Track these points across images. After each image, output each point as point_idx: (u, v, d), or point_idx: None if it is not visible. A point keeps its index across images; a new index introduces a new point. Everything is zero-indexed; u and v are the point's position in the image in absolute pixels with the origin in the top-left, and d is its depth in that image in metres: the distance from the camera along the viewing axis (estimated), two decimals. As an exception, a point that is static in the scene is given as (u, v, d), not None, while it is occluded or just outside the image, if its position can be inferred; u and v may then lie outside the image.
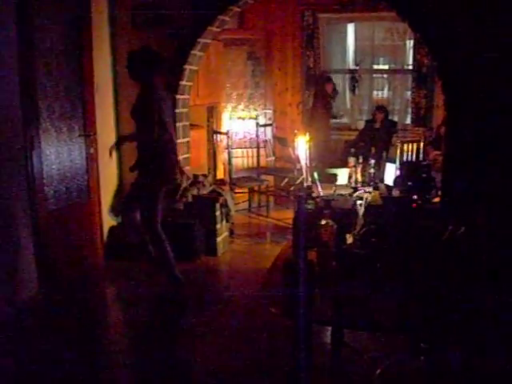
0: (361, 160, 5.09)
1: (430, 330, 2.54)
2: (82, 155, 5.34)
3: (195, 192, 6.05)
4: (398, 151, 4.76)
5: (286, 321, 2.68)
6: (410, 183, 4.14)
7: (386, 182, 4.71)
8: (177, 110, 5.75)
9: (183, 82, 5.75)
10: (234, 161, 7.59)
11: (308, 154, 4.81)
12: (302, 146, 4.85)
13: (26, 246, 4.63)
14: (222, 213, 6.04)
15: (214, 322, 4.57)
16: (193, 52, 5.70)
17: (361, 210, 3.91)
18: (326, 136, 8.15)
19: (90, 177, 5.46)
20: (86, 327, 4.43)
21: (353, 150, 6.17)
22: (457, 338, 2.50)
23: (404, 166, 4.46)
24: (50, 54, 4.89)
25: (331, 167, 5.61)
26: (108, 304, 5.17)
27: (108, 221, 5.88)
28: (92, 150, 5.45)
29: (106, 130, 5.79)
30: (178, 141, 5.80)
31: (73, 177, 5.22)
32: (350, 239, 3.28)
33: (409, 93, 8.69)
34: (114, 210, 5.97)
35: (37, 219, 4.73)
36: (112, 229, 5.92)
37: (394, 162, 4.73)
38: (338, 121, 8.91)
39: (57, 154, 4.99)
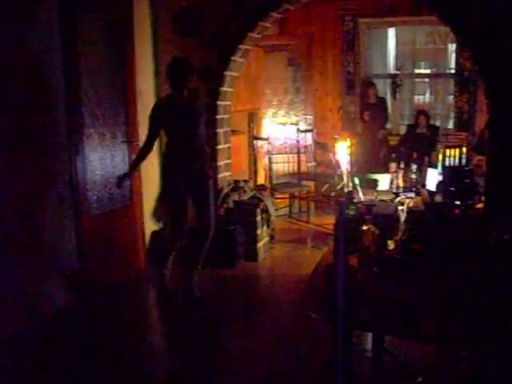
0: (402, 165, 5.04)
1: (470, 339, 2.50)
2: (125, 161, 5.42)
3: (236, 198, 6.08)
4: (441, 156, 4.69)
5: (328, 327, 2.67)
6: (452, 189, 4.09)
7: (428, 188, 4.65)
8: (218, 116, 5.80)
9: (224, 88, 5.79)
10: (274, 166, 7.60)
11: (349, 160, 4.79)
12: (343, 152, 4.83)
13: (69, 250, 4.71)
14: (262, 218, 6.05)
15: (256, 328, 4.58)
16: (233, 58, 5.74)
17: (402, 216, 3.87)
18: (376, 145, 8.12)
19: (133, 182, 5.53)
20: (127, 332, 4.47)
21: (394, 155, 6.12)
22: (497, 347, 2.46)
23: (446, 171, 4.40)
24: (94, 62, 4.99)
25: (372, 172, 5.57)
26: (149, 309, 5.21)
27: (150, 226, 5.93)
28: (134, 156, 5.51)
29: (148, 137, 5.85)
30: (219, 147, 5.84)
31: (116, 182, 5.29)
32: (391, 245, 3.25)
33: (451, 97, 8.59)
34: (156, 215, 6.03)
35: (80, 224, 4.81)
36: (154, 234, 5.98)
37: (436, 168, 4.67)
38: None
39: (100, 160, 5.07)
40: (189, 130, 4.81)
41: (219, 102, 5.79)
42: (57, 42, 4.54)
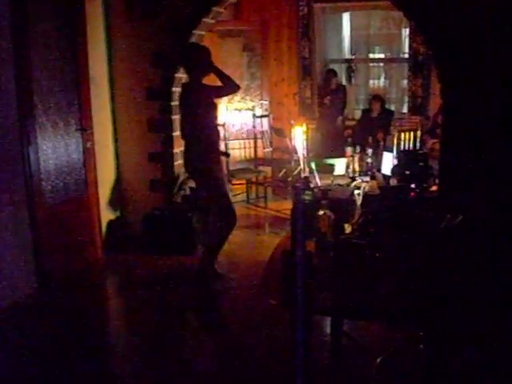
0: (358, 150, 5.08)
1: (428, 319, 2.54)
2: (79, 150, 5.34)
3: (193, 184, 6.04)
4: (395, 140, 4.74)
5: (286, 311, 2.68)
6: (407, 172, 4.13)
7: (383, 172, 4.70)
8: (172, 103, 5.74)
9: (179, 75, 5.73)
10: (231, 152, 7.58)
11: (305, 145, 4.80)
12: (299, 137, 4.84)
13: (24, 241, 4.64)
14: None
15: (214, 313, 4.59)
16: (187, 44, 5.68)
17: (358, 200, 3.91)
18: (333, 130, 8.19)
19: (88, 171, 5.45)
20: (86, 321, 4.43)
21: (350, 139, 6.16)
22: (455, 327, 2.51)
23: (401, 154, 4.44)
24: (45, 49, 4.88)
25: (328, 157, 5.60)
26: (107, 297, 5.17)
27: (106, 214, 5.88)
28: (89, 145, 5.44)
29: (103, 124, 5.79)
30: (175, 133, 5.81)
31: (70, 171, 5.22)
32: (348, 229, 3.28)
33: (405, 81, 8.69)
34: (113, 204, 5.98)
35: (35, 214, 4.73)
36: (110, 222, 5.93)
37: (392, 151, 4.72)
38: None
39: (53, 149, 4.98)
40: (182, 126, 4.94)
41: (174, 89, 5.74)
42: (6, 28, 4.42)
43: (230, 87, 4.91)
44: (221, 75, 4.86)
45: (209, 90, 4.85)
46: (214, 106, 4.87)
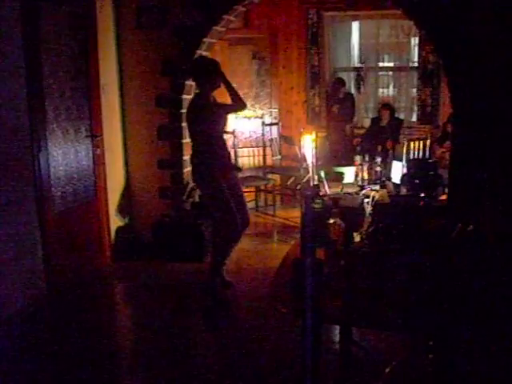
0: (367, 158, 5.08)
1: (438, 329, 2.53)
2: (89, 156, 5.36)
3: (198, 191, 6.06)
4: (405, 149, 4.74)
5: (295, 320, 2.68)
6: (416, 181, 4.14)
7: (393, 180, 4.70)
8: (182, 110, 5.76)
9: (189, 82, 5.75)
10: (240, 160, 7.59)
11: (314, 153, 4.80)
12: (308, 145, 4.84)
13: (33, 246, 4.65)
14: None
15: (223, 321, 4.58)
16: (198, 52, 5.70)
17: (368, 209, 3.91)
18: (342, 138, 8.19)
19: (97, 177, 5.48)
20: (94, 327, 4.43)
21: (359, 148, 6.16)
22: (465, 337, 2.50)
23: (411, 163, 4.44)
24: (56, 56, 4.91)
25: (338, 165, 5.60)
26: (115, 304, 5.18)
27: (115, 221, 5.89)
28: (99, 151, 5.47)
29: (113, 131, 5.81)
30: (184, 141, 5.83)
31: (80, 178, 5.24)
32: (357, 238, 3.28)
33: (414, 90, 8.68)
34: (122, 210, 5.99)
35: (44, 220, 4.74)
36: (119, 229, 5.94)
37: (401, 160, 4.72)
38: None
39: (64, 156, 5.00)
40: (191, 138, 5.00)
41: (184, 96, 5.76)
42: (18, 35, 4.45)
43: (237, 105, 4.90)
44: (231, 91, 4.84)
45: (215, 107, 4.84)
46: (219, 122, 4.86)
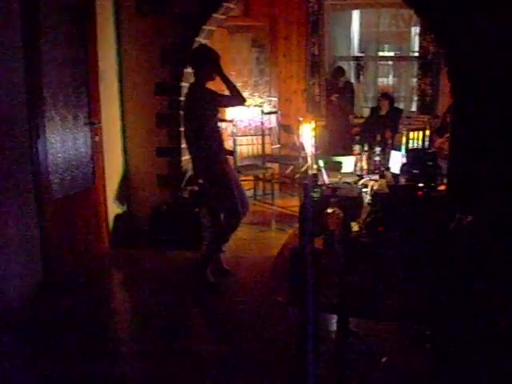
0: (366, 148, 5.07)
1: (435, 318, 2.53)
2: (87, 143, 5.35)
3: (200, 180, 6.04)
4: (404, 139, 4.73)
5: (292, 309, 2.68)
6: (415, 171, 4.13)
7: (391, 170, 4.69)
8: (181, 98, 5.74)
9: (188, 70, 5.72)
10: (238, 148, 7.58)
11: (313, 142, 4.79)
12: (307, 134, 4.83)
13: (31, 234, 4.64)
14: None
15: (220, 310, 4.59)
16: (197, 39, 5.67)
17: (367, 198, 3.90)
18: (341, 127, 8.17)
19: (95, 165, 5.47)
20: (91, 314, 4.44)
21: (358, 137, 6.15)
22: (461, 326, 2.50)
23: (410, 153, 4.44)
24: (55, 43, 4.88)
25: (336, 155, 5.59)
26: (113, 291, 5.19)
27: (113, 208, 5.89)
28: (97, 138, 5.45)
29: (111, 119, 5.80)
30: (182, 129, 5.81)
31: (78, 165, 5.23)
32: (355, 227, 3.28)
33: (414, 80, 8.66)
34: (121, 198, 5.99)
35: (42, 207, 4.73)
36: (117, 217, 5.94)
37: (400, 150, 4.71)
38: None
39: (62, 143, 4.99)
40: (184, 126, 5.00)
41: (183, 84, 5.73)
42: (16, 22, 4.42)
43: (236, 99, 4.85)
44: (228, 84, 4.80)
45: (211, 96, 4.81)
46: (215, 111, 4.85)
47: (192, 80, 4.96)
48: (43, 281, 4.76)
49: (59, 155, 4.96)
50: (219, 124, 5.03)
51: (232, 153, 5.40)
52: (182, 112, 5.04)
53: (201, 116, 4.77)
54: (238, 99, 4.86)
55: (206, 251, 5.00)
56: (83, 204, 5.34)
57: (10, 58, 4.39)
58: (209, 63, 4.77)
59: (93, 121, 5.39)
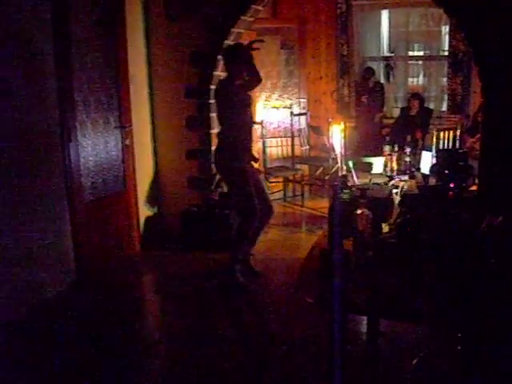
0: (396, 148, 5.04)
1: (467, 320, 2.51)
2: (118, 147, 5.41)
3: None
4: (434, 139, 4.69)
5: (322, 310, 2.68)
6: (446, 172, 4.09)
7: (422, 171, 4.65)
8: (211, 101, 5.78)
9: (217, 73, 5.75)
10: (268, 150, 7.60)
11: (343, 143, 4.78)
12: (337, 135, 4.82)
13: (64, 237, 4.72)
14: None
15: (249, 310, 4.60)
16: (226, 42, 5.70)
17: (397, 199, 3.88)
18: (371, 128, 8.14)
19: (126, 168, 5.53)
20: (122, 315, 4.49)
21: (388, 138, 6.12)
22: (493, 328, 2.48)
23: (440, 154, 4.40)
24: (86, 47, 4.95)
25: (366, 156, 5.57)
26: (143, 292, 5.23)
27: (144, 211, 5.94)
28: (128, 142, 5.51)
29: (142, 122, 5.85)
30: (213, 131, 5.85)
31: (109, 168, 5.29)
32: (385, 228, 3.26)
33: (444, 79, 8.57)
34: (151, 200, 6.04)
35: (74, 210, 4.81)
36: (148, 219, 5.99)
37: (430, 150, 4.67)
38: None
39: (93, 146, 5.06)
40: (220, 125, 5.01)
41: (212, 87, 5.76)
42: (48, 27, 4.50)
43: (254, 79, 4.97)
44: (250, 67, 4.89)
45: (239, 88, 4.86)
46: (246, 105, 4.88)
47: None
48: (76, 280, 4.84)
49: (91, 159, 5.02)
50: (252, 125, 5.05)
51: (256, 160, 5.39)
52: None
53: (230, 112, 4.82)
54: (254, 80, 4.99)
55: (231, 252, 5.02)
56: (114, 206, 5.40)
57: (41, 65, 4.47)
58: (237, 60, 4.82)
59: (123, 124, 5.45)
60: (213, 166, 5.90)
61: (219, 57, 5.71)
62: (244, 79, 4.90)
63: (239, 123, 4.84)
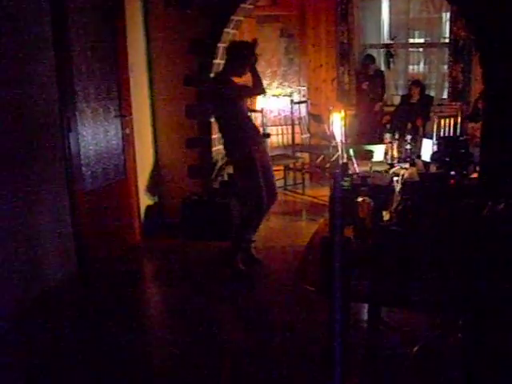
0: (397, 136, 5.03)
1: (467, 307, 2.51)
2: (118, 136, 5.39)
3: (230, 170, 6.07)
4: (435, 126, 4.69)
5: (323, 298, 2.68)
6: (447, 159, 4.08)
7: (422, 158, 4.65)
8: (210, 89, 5.77)
9: (217, 61, 5.73)
10: (268, 138, 7.57)
11: (343, 131, 4.77)
12: (337, 123, 4.81)
13: (64, 225, 4.72)
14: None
15: (249, 298, 4.61)
16: (226, 30, 5.68)
17: (397, 187, 3.87)
18: (372, 116, 8.12)
19: (127, 157, 5.51)
20: (123, 303, 4.50)
21: (388, 125, 6.11)
22: (495, 316, 2.48)
23: (441, 141, 4.39)
24: (85, 36, 4.92)
25: (367, 143, 5.56)
26: (145, 280, 5.24)
27: (144, 200, 5.94)
28: (128, 131, 5.50)
29: (141, 111, 5.83)
30: (213, 120, 5.84)
31: (109, 157, 5.28)
32: (386, 216, 3.26)
33: (445, 67, 8.55)
34: (152, 189, 6.03)
35: (75, 199, 4.80)
36: (148, 208, 5.98)
37: (431, 138, 4.67)
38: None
39: (93, 135, 5.05)
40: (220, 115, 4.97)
41: (212, 75, 5.75)
42: (47, 16, 4.47)
43: (258, 89, 4.94)
44: (254, 74, 4.87)
45: (233, 89, 4.82)
46: (237, 102, 4.85)
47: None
48: (77, 270, 4.84)
49: (91, 148, 5.01)
50: (247, 112, 5.04)
51: (268, 135, 5.37)
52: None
53: (222, 105, 4.83)
54: (260, 89, 4.96)
55: (234, 239, 5.02)
56: (115, 196, 5.40)
57: (41, 54, 4.45)
58: (240, 60, 4.80)
59: (123, 113, 5.43)
60: (213, 154, 5.92)
61: (219, 44, 5.69)
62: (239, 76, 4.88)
63: (236, 113, 4.83)
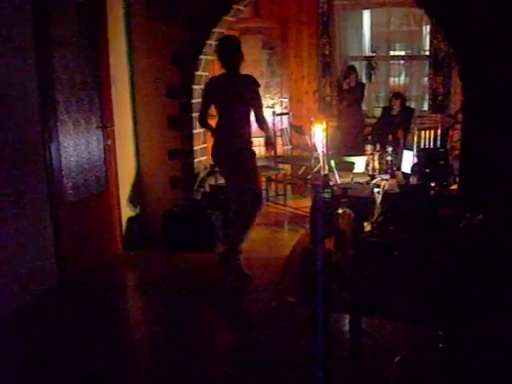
0: (378, 147, 5.07)
1: (447, 318, 2.53)
2: (100, 147, 5.38)
3: (213, 182, 6.09)
4: (416, 138, 4.73)
5: (304, 309, 2.69)
6: (427, 170, 4.12)
7: (403, 170, 4.69)
8: (193, 101, 5.78)
9: (199, 72, 5.75)
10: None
11: (325, 142, 4.80)
12: (319, 134, 4.84)
13: (45, 237, 4.69)
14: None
15: (233, 311, 4.61)
16: (208, 42, 5.70)
17: (378, 198, 3.90)
18: (353, 127, 8.15)
19: (108, 168, 5.50)
20: (105, 316, 4.47)
21: (369, 137, 6.15)
22: (475, 326, 2.50)
23: (421, 153, 4.43)
24: (67, 47, 4.92)
25: (348, 155, 5.59)
26: (126, 293, 5.22)
27: (126, 211, 5.92)
28: (110, 142, 5.49)
29: (124, 122, 5.83)
30: (195, 131, 5.85)
31: (91, 168, 5.26)
32: (367, 227, 3.28)
33: (426, 79, 8.64)
34: (133, 200, 6.02)
35: (56, 211, 4.78)
36: (130, 219, 5.97)
37: (412, 150, 4.71)
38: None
39: (75, 146, 5.03)
40: (232, 113, 5.03)
41: (194, 86, 5.77)
42: (28, 27, 4.47)
43: (264, 124, 5.20)
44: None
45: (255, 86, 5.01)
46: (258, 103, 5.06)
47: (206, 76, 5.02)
48: (57, 282, 4.81)
49: (72, 159, 4.99)
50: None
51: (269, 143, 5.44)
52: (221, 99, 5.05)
53: (249, 98, 5.00)
54: (264, 124, 5.23)
55: (234, 239, 5.00)
56: (96, 207, 5.38)
57: (22, 64, 4.44)
58: (240, 53, 4.93)
59: (105, 124, 5.42)
60: (195, 165, 5.92)
61: (201, 56, 5.72)
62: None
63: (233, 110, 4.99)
